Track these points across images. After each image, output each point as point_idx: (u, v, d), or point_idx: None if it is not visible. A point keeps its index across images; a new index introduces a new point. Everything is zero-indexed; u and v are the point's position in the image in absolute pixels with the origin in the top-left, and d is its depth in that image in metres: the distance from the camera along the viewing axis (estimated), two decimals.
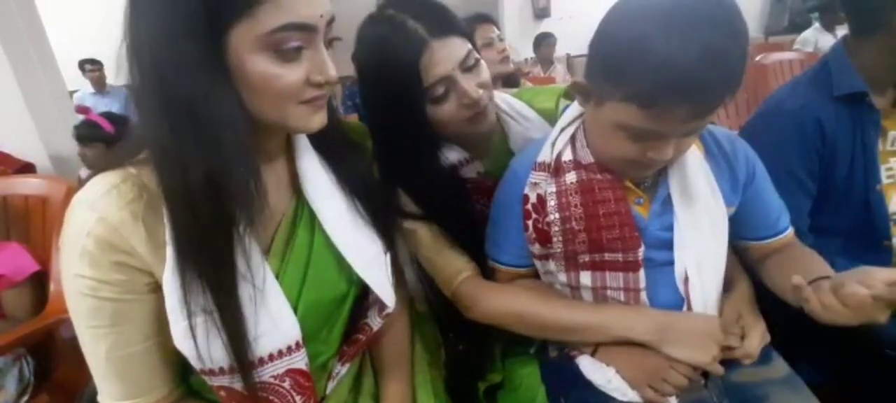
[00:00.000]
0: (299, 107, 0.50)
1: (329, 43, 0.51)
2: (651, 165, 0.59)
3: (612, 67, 0.54)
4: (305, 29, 0.46)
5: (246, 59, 0.45)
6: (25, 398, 1.13)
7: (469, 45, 0.70)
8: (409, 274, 0.84)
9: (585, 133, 0.67)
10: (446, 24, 0.68)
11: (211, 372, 0.52)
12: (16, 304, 1.20)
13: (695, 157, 0.65)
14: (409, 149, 0.73)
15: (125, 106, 3.94)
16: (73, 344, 1.33)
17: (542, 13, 6.04)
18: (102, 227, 0.46)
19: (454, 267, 0.76)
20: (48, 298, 1.22)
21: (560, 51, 4.35)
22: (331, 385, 0.66)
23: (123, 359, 0.51)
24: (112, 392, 0.53)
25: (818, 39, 3.67)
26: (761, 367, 0.70)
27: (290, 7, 0.45)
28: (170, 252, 0.48)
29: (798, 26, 5.35)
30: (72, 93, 3.28)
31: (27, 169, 2.10)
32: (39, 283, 1.24)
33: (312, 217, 0.60)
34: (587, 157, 0.66)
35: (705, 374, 0.68)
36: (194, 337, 0.49)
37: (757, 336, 0.66)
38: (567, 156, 0.67)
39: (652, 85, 0.50)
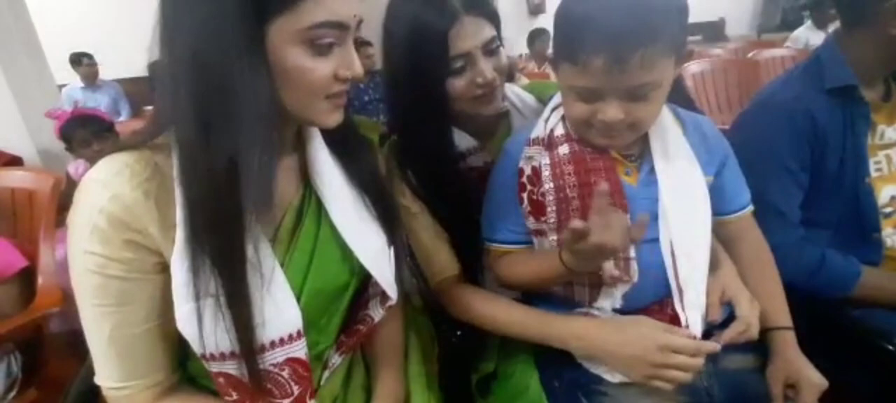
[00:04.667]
0: (324, 102, 0.53)
1: (356, 42, 0.54)
2: (607, 130, 0.62)
3: (557, 34, 0.63)
4: (340, 27, 0.50)
5: (283, 50, 0.48)
6: (13, 393, 1.11)
7: (495, 32, 0.74)
8: (404, 269, 0.84)
9: None
10: (480, 4, 0.72)
11: (212, 358, 0.52)
12: (3, 300, 1.18)
13: (675, 132, 0.68)
14: (423, 122, 0.76)
15: (115, 100, 3.90)
16: (62, 340, 1.33)
17: (536, 10, 6.05)
18: (115, 205, 0.47)
19: (439, 264, 0.79)
20: (36, 293, 1.20)
21: None
22: (325, 376, 0.66)
23: (125, 339, 0.51)
24: (111, 373, 0.53)
25: (809, 38, 3.69)
26: (752, 355, 0.70)
27: (329, 5, 0.48)
28: (180, 233, 0.48)
29: (790, 24, 5.40)
30: (61, 86, 3.24)
31: (14, 163, 2.07)
32: (27, 279, 1.22)
33: (319, 207, 0.61)
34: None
35: None
36: (200, 320, 0.49)
37: (745, 302, 0.66)
38: (559, 130, 0.69)
39: (574, 40, 0.58)
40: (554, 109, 0.71)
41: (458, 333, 0.90)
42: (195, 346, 0.51)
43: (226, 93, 0.46)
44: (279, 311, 0.53)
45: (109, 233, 0.47)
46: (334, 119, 0.55)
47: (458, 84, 0.73)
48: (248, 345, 0.51)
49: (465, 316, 0.77)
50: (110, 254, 0.48)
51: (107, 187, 0.47)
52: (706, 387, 0.68)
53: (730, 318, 0.67)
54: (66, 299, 1.21)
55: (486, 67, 0.72)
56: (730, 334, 0.65)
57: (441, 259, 0.79)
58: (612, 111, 0.59)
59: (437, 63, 0.71)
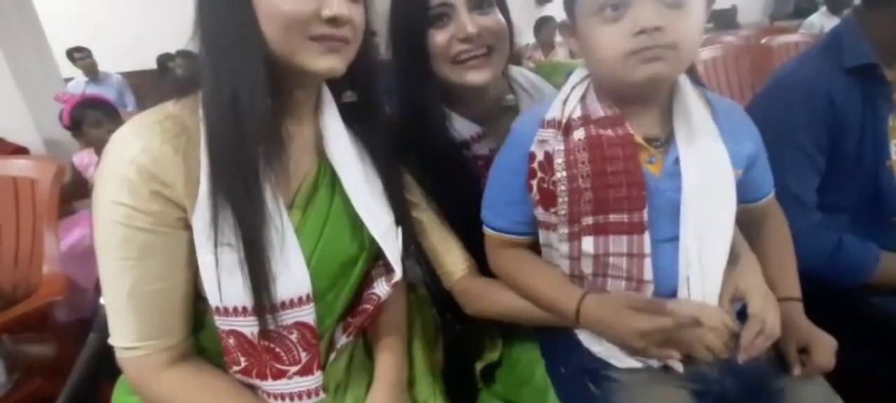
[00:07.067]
0: (307, 42, 0.52)
1: None
2: (649, 52, 0.55)
3: None
4: None
5: None
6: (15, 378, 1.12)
7: None
8: (409, 257, 0.82)
9: (592, 84, 0.65)
10: None
11: (226, 313, 0.54)
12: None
13: (703, 114, 0.63)
14: (415, 92, 0.75)
15: (120, 93, 3.90)
16: (66, 328, 1.32)
17: None
18: (145, 157, 0.49)
19: (449, 265, 0.76)
20: (41, 282, 1.20)
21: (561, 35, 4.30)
22: (331, 358, 0.66)
23: (144, 296, 0.52)
24: (127, 332, 0.53)
25: (824, 24, 3.62)
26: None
27: None
28: (203, 185, 0.50)
29: (803, 11, 5.28)
30: (67, 81, 3.25)
31: (20, 153, 2.08)
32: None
33: (334, 179, 0.62)
34: (597, 111, 0.63)
35: None
36: (218, 269, 0.51)
37: (757, 297, 0.63)
38: (577, 113, 0.64)
39: None
40: (573, 88, 0.66)
41: (462, 323, 0.88)
42: (212, 298, 0.52)
43: (220, 36, 0.51)
44: (290, 272, 0.55)
45: (138, 184, 0.48)
46: (326, 64, 0.53)
47: (438, 37, 0.70)
48: (260, 296, 0.52)
49: (477, 311, 0.75)
50: (137, 205, 0.49)
51: (139, 137, 0.49)
52: (718, 378, 0.66)
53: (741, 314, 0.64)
54: (71, 288, 1.21)
55: (469, 21, 0.68)
56: (746, 342, 0.61)
57: (451, 259, 0.76)
58: (648, 12, 0.53)
59: (417, 9, 0.69)
